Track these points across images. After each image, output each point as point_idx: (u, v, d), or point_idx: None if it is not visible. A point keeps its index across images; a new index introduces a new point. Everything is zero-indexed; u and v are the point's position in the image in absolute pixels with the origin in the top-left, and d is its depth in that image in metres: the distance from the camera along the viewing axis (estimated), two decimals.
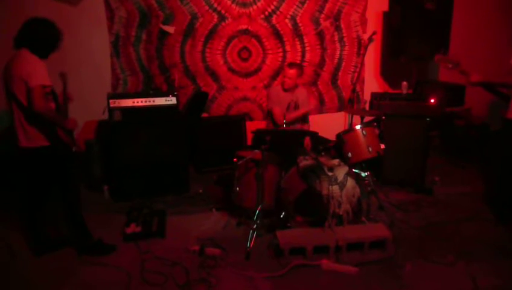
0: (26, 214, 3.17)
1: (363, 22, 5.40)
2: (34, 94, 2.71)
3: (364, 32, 5.41)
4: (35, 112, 2.73)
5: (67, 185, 3.07)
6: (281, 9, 5.11)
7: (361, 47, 5.46)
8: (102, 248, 3.18)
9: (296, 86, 4.33)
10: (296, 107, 4.31)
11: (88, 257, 3.10)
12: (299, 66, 4.41)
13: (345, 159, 3.56)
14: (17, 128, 2.88)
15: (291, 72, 4.20)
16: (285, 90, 4.28)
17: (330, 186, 3.24)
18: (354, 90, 5.05)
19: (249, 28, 5.08)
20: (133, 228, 3.42)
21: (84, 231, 3.15)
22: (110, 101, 3.97)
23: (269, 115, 4.35)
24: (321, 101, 5.54)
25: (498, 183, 3.77)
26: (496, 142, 3.71)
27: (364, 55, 5.23)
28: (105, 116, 4.06)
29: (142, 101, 4.04)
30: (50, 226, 3.38)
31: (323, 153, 3.72)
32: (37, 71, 2.76)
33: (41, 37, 2.87)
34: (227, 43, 5.07)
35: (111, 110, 3.96)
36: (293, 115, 4.23)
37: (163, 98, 4.12)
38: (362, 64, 5.41)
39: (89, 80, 4.65)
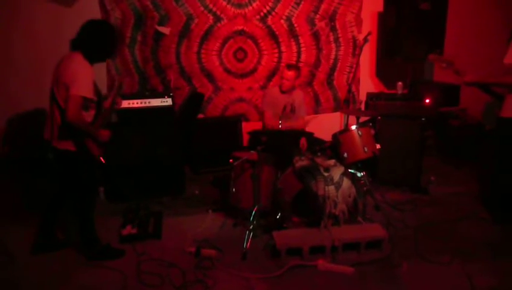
0: (44, 210, 3.16)
1: (358, 22, 5.41)
2: (71, 103, 2.65)
3: (359, 32, 5.42)
4: (67, 119, 2.68)
5: (84, 192, 3.03)
6: (276, 10, 5.11)
7: (356, 47, 5.47)
8: (111, 253, 3.14)
9: (294, 88, 4.33)
10: (292, 110, 4.29)
11: (97, 261, 3.06)
12: (297, 68, 4.42)
13: (340, 160, 3.57)
14: (51, 127, 2.85)
15: (290, 73, 4.19)
16: (283, 92, 4.28)
17: (326, 187, 3.24)
18: (349, 91, 5.04)
19: (245, 28, 5.08)
20: (129, 230, 3.41)
21: (94, 237, 3.11)
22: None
23: (262, 116, 4.36)
24: (317, 102, 5.55)
25: (491, 182, 3.78)
26: (490, 142, 3.72)
27: (359, 55, 5.22)
28: None
29: (137, 103, 4.04)
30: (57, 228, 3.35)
31: (319, 154, 3.73)
32: (82, 80, 2.69)
33: (97, 42, 2.80)
34: (223, 44, 5.07)
35: None
36: (289, 124, 4.19)
37: (159, 100, 4.12)
38: (357, 64, 5.41)
39: None
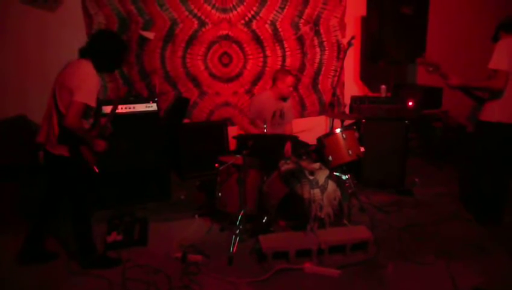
0: (35, 219, 3.09)
1: (342, 26, 5.47)
2: (72, 109, 2.62)
3: (343, 36, 5.48)
4: (66, 123, 2.65)
5: (78, 200, 2.98)
6: (260, 14, 5.14)
7: (340, 51, 5.53)
8: (107, 262, 3.09)
9: None
10: (282, 115, 4.28)
11: (92, 270, 3.01)
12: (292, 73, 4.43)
13: (325, 163, 3.59)
14: (47, 130, 2.81)
15: (292, 79, 4.17)
16: (284, 99, 4.23)
17: (311, 190, 3.26)
18: (334, 94, 5.09)
19: (230, 33, 5.09)
20: (114, 237, 3.38)
21: (91, 245, 3.06)
22: None
23: (252, 124, 4.32)
24: (302, 106, 5.58)
25: (471, 184, 3.84)
26: (470, 144, 3.78)
27: (343, 59, 5.29)
28: None
29: (122, 108, 4.01)
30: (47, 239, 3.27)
31: (304, 157, 3.74)
32: (86, 88, 2.67)
33: (106, 51, 2.80)
34: (208, 49, 5.07)
35: None
36: (278, 131, 4.20)
37: (144, 105, 4.09)
38: (342, 68, 5.47)
39: None
